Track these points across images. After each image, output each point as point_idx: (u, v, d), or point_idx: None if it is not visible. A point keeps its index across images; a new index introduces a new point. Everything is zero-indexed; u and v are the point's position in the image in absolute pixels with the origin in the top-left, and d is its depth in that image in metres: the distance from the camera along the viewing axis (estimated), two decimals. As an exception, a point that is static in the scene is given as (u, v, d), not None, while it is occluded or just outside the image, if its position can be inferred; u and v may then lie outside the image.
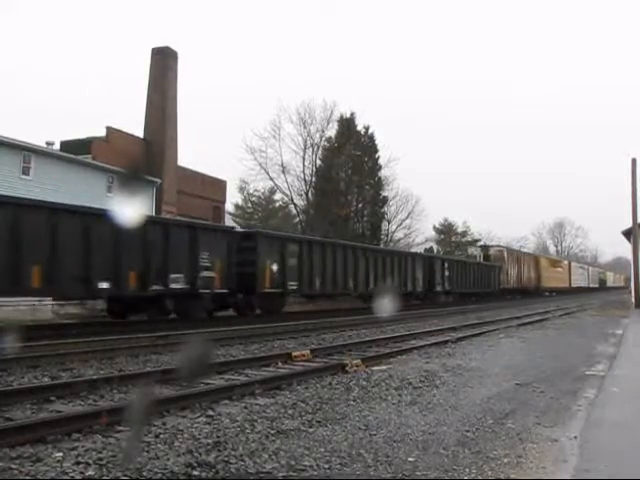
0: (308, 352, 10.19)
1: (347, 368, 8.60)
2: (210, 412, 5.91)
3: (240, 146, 43.98)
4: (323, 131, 45.14)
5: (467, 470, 4.18)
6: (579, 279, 72.59)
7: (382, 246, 41.39)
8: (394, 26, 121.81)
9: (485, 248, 47.90)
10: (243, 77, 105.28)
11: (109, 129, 27.81)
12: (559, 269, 63.02)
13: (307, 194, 43.85)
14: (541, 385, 7.60)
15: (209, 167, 69.62)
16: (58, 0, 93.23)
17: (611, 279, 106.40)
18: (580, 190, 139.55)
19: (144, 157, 28.59)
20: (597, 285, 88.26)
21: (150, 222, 14.67)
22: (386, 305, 15.49)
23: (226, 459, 4.28)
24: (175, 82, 30.74)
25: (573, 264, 72.19)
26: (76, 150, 25.23)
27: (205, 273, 16.06)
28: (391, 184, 48.24)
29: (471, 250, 49.80)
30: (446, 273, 32.69)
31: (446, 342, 12.63)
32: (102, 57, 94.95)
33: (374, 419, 5.60)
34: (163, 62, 30.08)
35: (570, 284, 66.26)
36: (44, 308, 17.13)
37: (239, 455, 4.38)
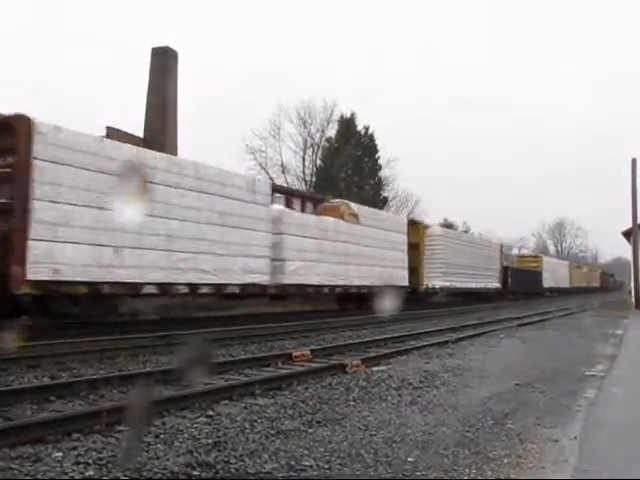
0: (308, 352, 10.18)
1: (347, 368, 8.59)
2: (210, 412, 5.90)
3: (240, 146, 44.10)
4: (323, 131, 45.33)
5: (467, 470, 4.18)
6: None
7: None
8: (395, 26, 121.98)
9: None
10: (243, 77, 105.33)
11: (109, 129, 27.70)
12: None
13: (307, 194, 43.93)
14: (541, 385, 7.59)
15: (209, 167, 69.23)
16: (58, 0, 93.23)
17: (563, 274, 55.86)
18: (580, 190, 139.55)
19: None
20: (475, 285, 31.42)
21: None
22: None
23: (226, 459, 4.27)
24: (175, 82, 30.71)
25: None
26: (76, 150, 25.17)
27: None
28: (391, 184, 48.41)
29: None
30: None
31: (446, 342, 12.61)
32: (102, 57, 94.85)
33: (374, 419, 5.60)
34: (163, 62, 30.03)
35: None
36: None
37: (239, 455, 4.37)
